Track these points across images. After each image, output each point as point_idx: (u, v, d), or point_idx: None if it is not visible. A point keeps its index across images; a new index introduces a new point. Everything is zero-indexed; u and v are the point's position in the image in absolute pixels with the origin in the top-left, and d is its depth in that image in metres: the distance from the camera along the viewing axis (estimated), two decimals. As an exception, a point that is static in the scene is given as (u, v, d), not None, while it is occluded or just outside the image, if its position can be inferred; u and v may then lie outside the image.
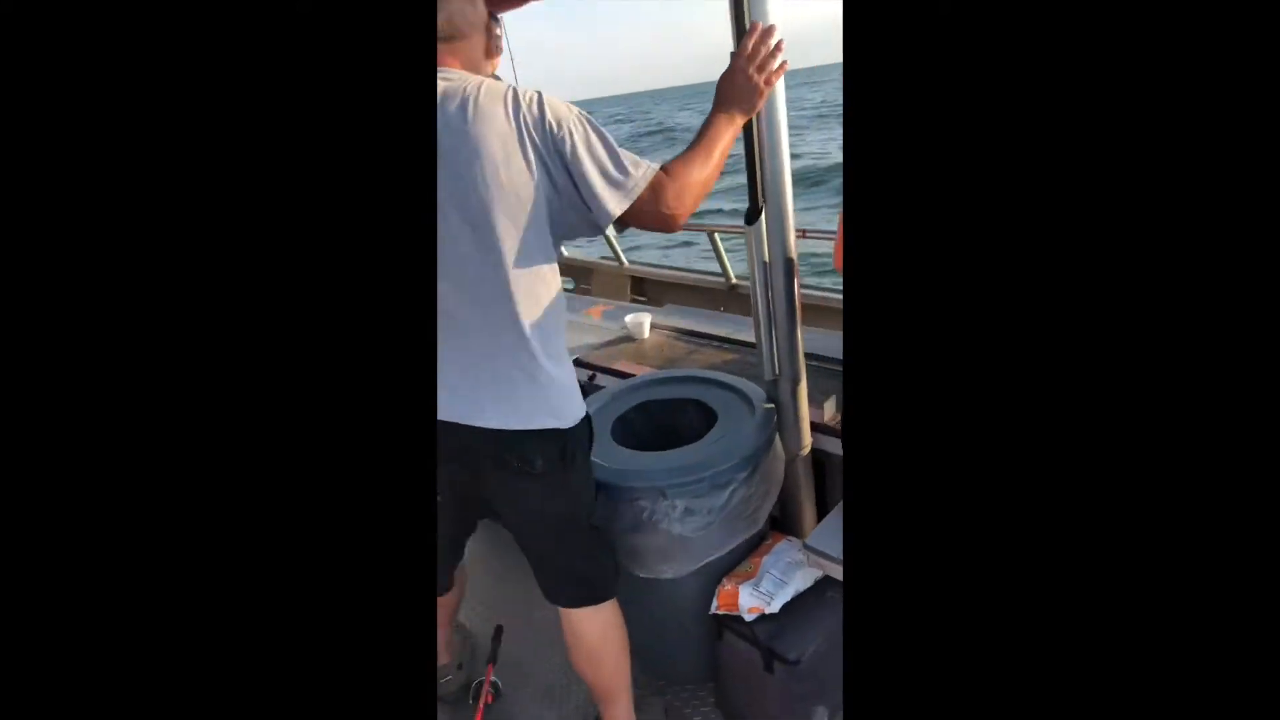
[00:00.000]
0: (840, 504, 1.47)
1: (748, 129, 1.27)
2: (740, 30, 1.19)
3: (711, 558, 1.36)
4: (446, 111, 0.98)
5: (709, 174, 1.08)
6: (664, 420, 1.67)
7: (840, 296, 2.59)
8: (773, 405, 1.50)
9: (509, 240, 1.00)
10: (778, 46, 1.14)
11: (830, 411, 1.62)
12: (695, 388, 1.67)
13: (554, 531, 1.22)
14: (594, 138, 1.01)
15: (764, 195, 1.34)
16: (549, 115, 0.99)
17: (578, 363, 2.04)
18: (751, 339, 1.55)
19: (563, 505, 1.19)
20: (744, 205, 1.38)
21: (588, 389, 2.03)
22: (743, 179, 1.34)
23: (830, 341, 1.88)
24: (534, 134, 0.98)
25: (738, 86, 1.13)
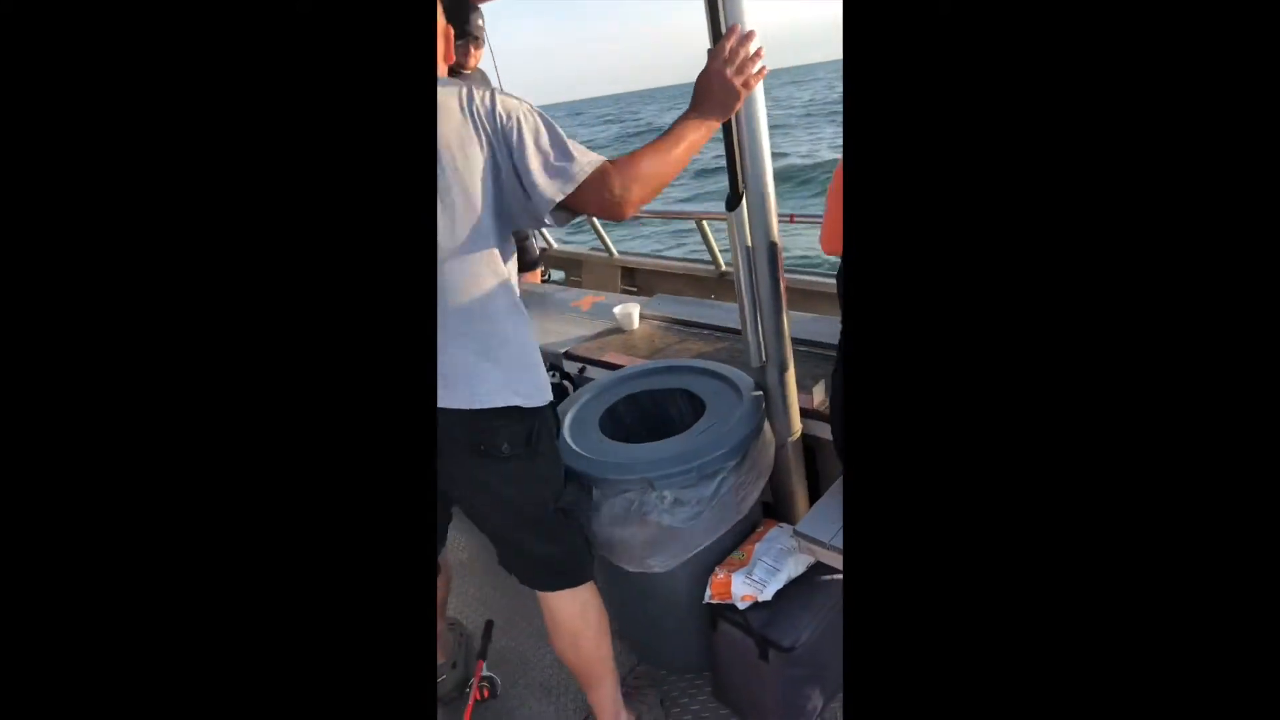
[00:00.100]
0: (830, 489, 1.46)
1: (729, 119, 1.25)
2: (715, 29, 1.17)
3: (702, 547, 1.35)
4: None
5: (664, 169, 1.07)
6: (653, 411, 1.66)
7: (827, 280, 2.58)
8: (761, 392, 1.49)
9: (463, 227, 1.05)
10: (757, 52, 1.13)
11: (819, 396, 1.61)
12: (684, 377, 1.66)
13: (522, 516, 1.22)
14: (541, 128, 1.05)
15: (744, 181, 1.33)
16: (499, 108, 1.03)
17: (568, 355, 2.03)
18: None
19: (530, 490, 1.20)
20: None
21: (578, 381, 2.02)
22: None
23: (819, 326, 1.87)
24: (485, 124, 1.03)
25: (714, 90, 1.11)
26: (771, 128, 1.36)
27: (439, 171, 1.01)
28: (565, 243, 3.73)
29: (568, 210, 1.08)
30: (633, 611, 1.63)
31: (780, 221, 1.42)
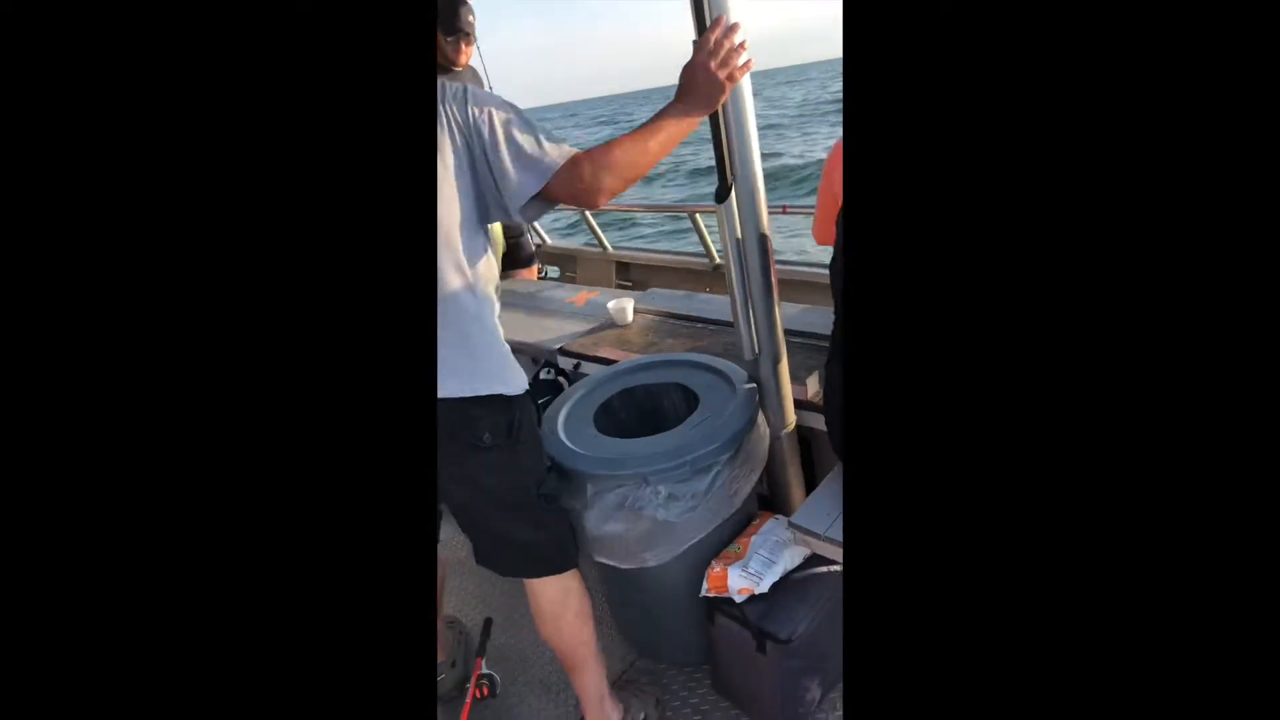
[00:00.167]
0: (825, 481, 1.45)
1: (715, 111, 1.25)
2: (700, 21, 1.16)
3: (697, 540, 1.35)
4: None
5: (638, 158, 1.07)
6: (648, 406, 1.66)
7: (819, 271, 2.57)
8: (754, 385, 1.49)
9: (442, 221, 1.06)
10: (742, 44, 1.12)
11: (814, 387, 1.60)
12: (677, 371, 1.66)
13: (504, 505, 1.23)
14: (513, 121, 1.06)
15: (733, 173, 1.32)
16: (471, 103, 1.05)
17: (562, 351, 2.03)
18: None
19: (512, 479, 1.22)
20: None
21: (572, 377, 2.02)
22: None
23: (812, 317, 1.87)
24: (458, 119, 1.05)
25: (698, 82, 1.10)
26: (765, 127, 1.35)
27: None
28: (559, 236, 3.72)
29: (541, 201, 1.09)
30: (631, 607, 1.64)
31: (773, 213, 1.42)
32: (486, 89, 2.54)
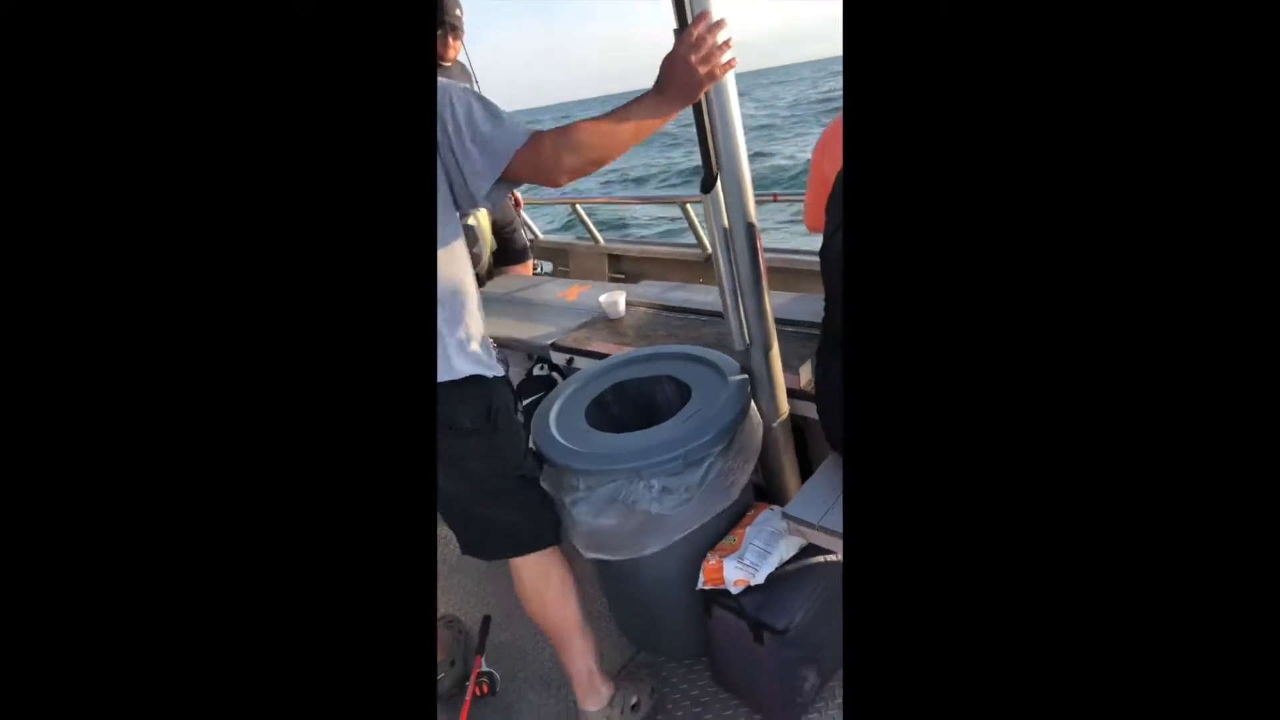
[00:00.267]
0: (818, 470, 1.45)
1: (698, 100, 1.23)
2: (680, 14, 1.14)
3: (692, 533, 1.35)
4: None
5: (603, 141, 1.07)
6: (640, 399, 1.65)
7: (810, 259, 2.56)
8: (746, 375, 1.48)
9: None
10: (726, 42, 1.10)
11: (806, 376, 1.59)
12: (669, 364, 1.65)
13: (485, 489, 1.26)
14: (474, 105, 1.06)
15: (718, 163, 1.31)
16: (437, 92, 1.05)
17: (554, 346, 2.02)
18: None
19: (492, 463, 1.25)
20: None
21: (565, 372, 2.01)
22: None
23: (802, 305, 1.86)
24: None
25: (677, 75, 1.08)
26: (757, 128, 1.34)
27: None
28: (553, 231, 3.70)
29: (506, 182, 1.09)
30: (629, 602, 1.64)
31: (764, 201, 1.40)
32: (475, 85, 2.52)
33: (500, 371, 1.24)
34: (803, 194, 1.77)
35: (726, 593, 1.36)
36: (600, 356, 1.86)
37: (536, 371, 2.07)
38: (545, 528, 1.34)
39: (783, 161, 14.20)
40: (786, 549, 1.37)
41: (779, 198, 2.59)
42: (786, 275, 2.48)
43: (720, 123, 1.27)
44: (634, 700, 1.44)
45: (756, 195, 1.40)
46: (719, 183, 1.32)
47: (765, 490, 1.63)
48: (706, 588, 1.38)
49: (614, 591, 1.69)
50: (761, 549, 1.36)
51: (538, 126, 1.10)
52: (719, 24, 1.09)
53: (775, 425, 1.53)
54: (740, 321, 1.43)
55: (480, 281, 2.59)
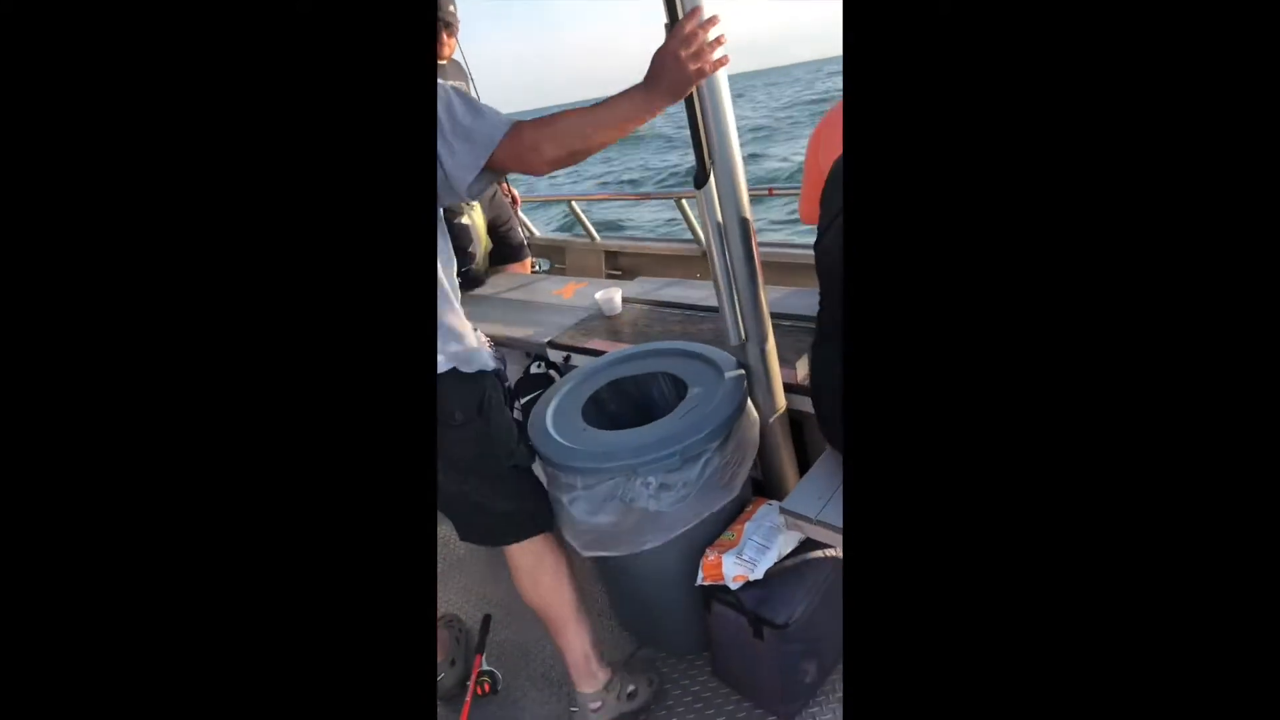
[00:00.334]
0: (815, 465, 1.45)
1: (690, 95, 1.23)
2: (671, 12, 1.13)
3: (691, 530, 1.35)
4: None
5: (586, 132, 1.07)
6: (637, 396, 1.65)
7: (806, 253, 2.55)
8: (742, 371, 1.48)
9: None
10: (718, 39, 1.09)
11: (803, 370, 1.59)
12: (665, 360, 1.65)
13: (480, 477, 1.30)
14: (453, 100, 1.06)
15: (711, 157, 1.30)
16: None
17: (551, 344, 2.02)
18: None
19: (484, 454, 1.29)
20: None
21: (563, 370, 2.01)
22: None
23: (799, 299, 1.86)
24: None
25: (666, 70, 1.07)
26: (751, 130, 1.34)
27: None
28: (549, 229, 3.70)
29: (489, 172, 1.09)
30: (629, 598, 1.64)
31: (759, 195, 1.40)
32: (470, 82, 2.52)
33: (489, 364, 1.27)
34: (798, 188, 1.77)
35: (726, 588, 1.35)
36: (597, 353, 1.86)
37: (534, 369, 2.07)
38: (539, 514, 1.38)
39: (778, 165, 14.18)
40: (785, 544, 1.37)
41: (774, 192, 2.59)
42: (782, 269, 2.47)
43: (713, 117, 1.26)
44: (631, 689, 1.45)
45: (751, 190, 1.40)
46: (712, 178, 1.32)
47: (763, 485, 1.63)
48: (706, 584, 1.38)
49: (614, 589, 1.69)
50: (760, 544, 1.36)
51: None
52: (711, 20, 1.08)
53: (772, 420, 1.52)
54: (736, 317, 1.42)
55: (478, 280, 2.59)
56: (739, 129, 1.35)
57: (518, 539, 1.37)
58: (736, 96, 1.31)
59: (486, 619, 1.65)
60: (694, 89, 1.14)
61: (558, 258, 3.60)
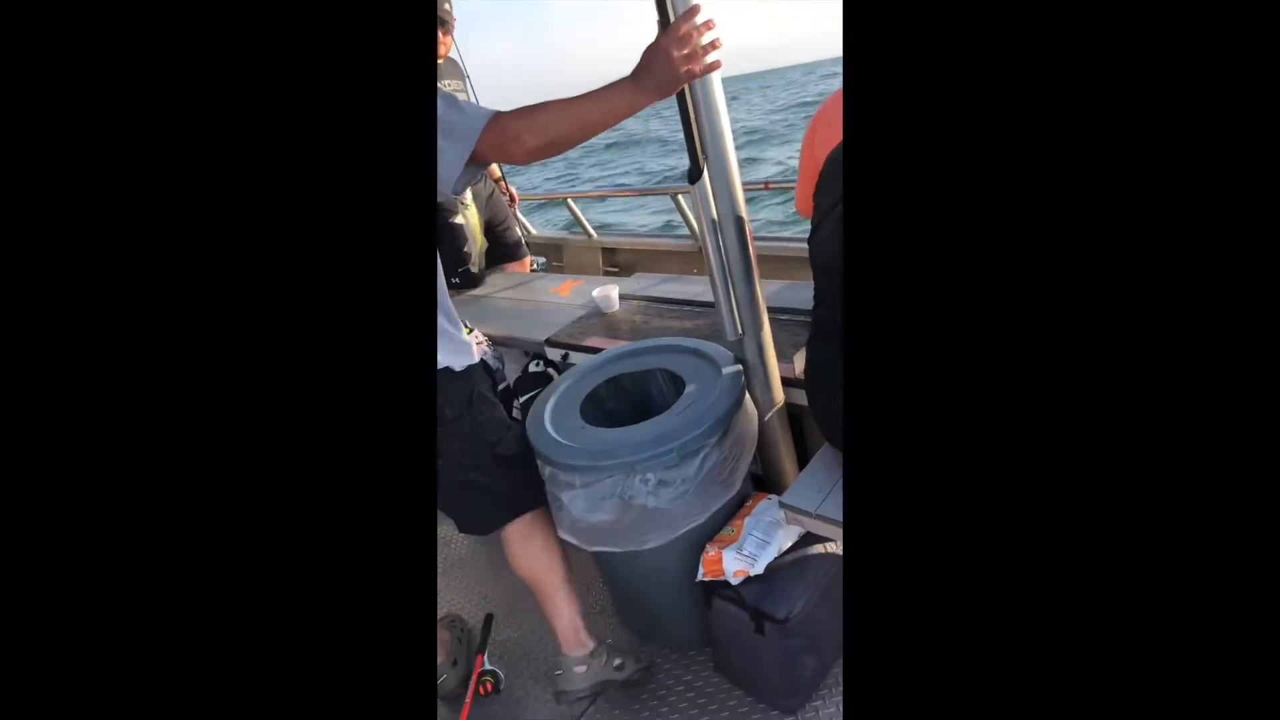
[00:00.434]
0: (813, 459, 1.44)
1: (681, 89, 1.22)
2: (664, 15, 1.12)
3: (691, 526, 1.34)
4: None
5: (568, 123, 1.06)
6: (635, 392, 1.65)
7: (804, 244, 2.55)
8: (739, 366, 1.48)
9: None
10: (713, 43, 1.08)
11: (800, 364, 1.59)
12: (662, 356, 1.64)
13: (471, 468, 1.37)
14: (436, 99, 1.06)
15: (704, 153, 1.30)
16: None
17: (549, 342, 2.02)
18: None
19: (476, 445, 1.36)
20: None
21: (561, 368, 2.01)
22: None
23: (796, 292, 1.85)
24: None
25: (657, 67, 1.06)
26: (747, 132, 1.33)
27: None
28: (545, 226, 3.70)
29: (472, 165, 1.09)
30: (630, 596, 1.63)
31: (755, 190, 1.40)
32: (467, 81, 2.51)
33: (475, 358, 1.35)
34: (794, 182, 1.76)
35: (726, 584, 1.35)
36: (595, 351, 1.86)
37: (532, 368, 2.07)
38: (529, 492, 1.43)
39: (772, 170, 14.05)
40: (785, 538, 1.37)
41: (770, 185, 2.58)
42: (779, 262, 2.47)
43: (705, 113, 1.26)
44: (618, 661, 1.48)
45: (746, 184, 1.39)
46: (705, 173, 1.31)
47: (762, 479, 1.63)
48: (706, 579, 1.38)
49: (615, 586, 1.69)
50: (760, 539, 1.36)
51: None
52: (707, 24, 1.08)
53: (770, 414, 1.52)
54: (732, 312, 1.42)
55: (475, 280, 2.58)
56: (734, 132, 1.34)
57: (510, 518, 1.43)
58: (731, 100, 1.30)
59: (488, 618, 1.65)
60: (673, 94, 1.14)
61: (555, 255, 3.60)
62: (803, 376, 1.56)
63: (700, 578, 1.38)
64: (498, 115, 1.07)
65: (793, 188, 1.51)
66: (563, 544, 1.46)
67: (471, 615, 1.80)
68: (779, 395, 1.53)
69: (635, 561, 1.44)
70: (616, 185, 14.06)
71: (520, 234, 2.88)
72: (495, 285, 2.59)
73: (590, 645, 1.47)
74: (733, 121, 1.31)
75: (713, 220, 1.35)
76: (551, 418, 1.49)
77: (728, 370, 1.47)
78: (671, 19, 1.10)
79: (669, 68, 1.06)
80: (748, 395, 1.47)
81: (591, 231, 3.39)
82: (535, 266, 3.17)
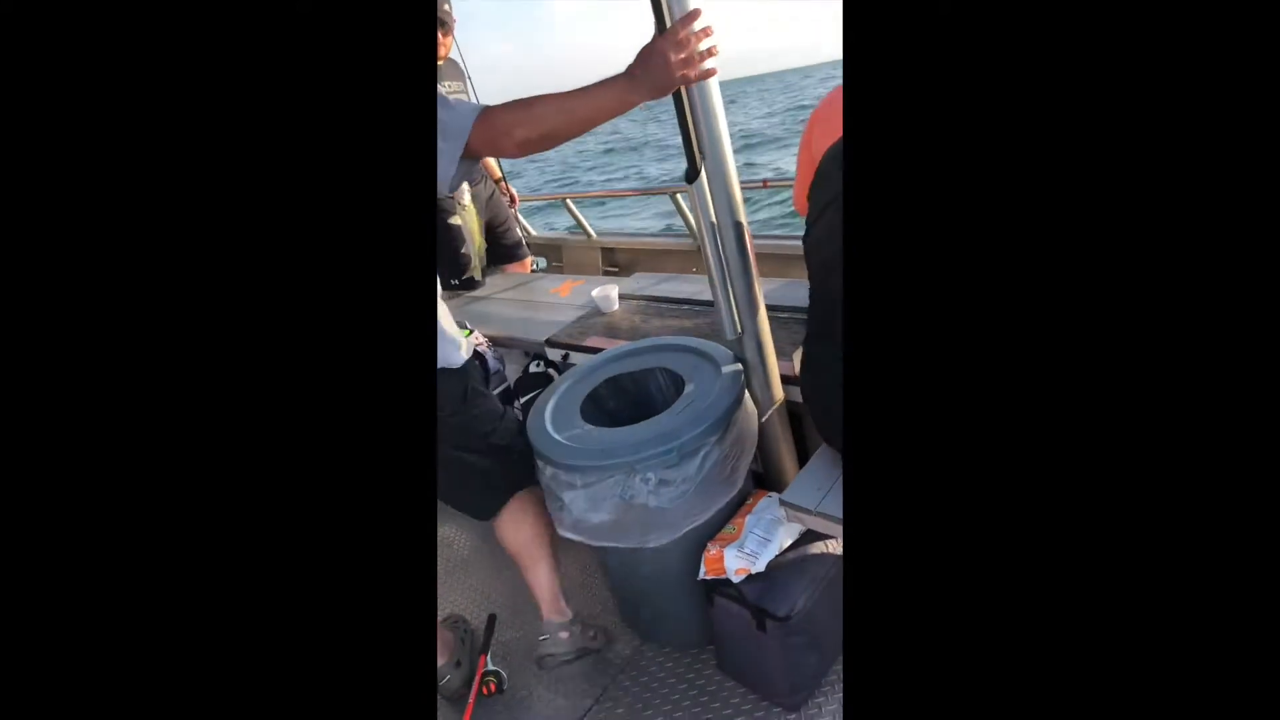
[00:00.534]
0: (813, 457, 1.45)
1: (677, 90, 1.22)
2: (660, 19, 1.12)
3: (692, 525, 1.35)
4: None
5: (558, 118, 1.07)
6: (635, 392, 1.65)
7: (799, 242, 2.55)
8: (739, 364, 1.48)
9: None
10: (710, 50, 1.08)
11: (799, 364, 1.59)
12: (662, 356, 1.65)
13: (470, 461, 1.45)
14: None
15: (701, 151, 1.30)
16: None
17: (549, 343, 2.02)
18: None
19: (471, 439, 1.45)
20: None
21: (561, 368, 2.01)
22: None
23: (794, 290, 1.85)
24: None
25: (652, 67, 1.06)
26: (745, 135, 1.33)
27: None
28: (545, 226, 3.70)
29: (465, 161, 1.11)
30: (632, 594, 1.64)
31: (753, 188, 1.40)
32: (467, 82, 2.51)
33: (465, 355, 1.42)
34: (791, 180, 1.76)
35: (728, 582, 1.36)
36: (595, 351, 1.86)
37: (533, 368, 2.07)
38: (521, 475, 1.52)
39: (769, 175, 14.01)
40: (786, 536, 1.37)
41: (769, 184, 2.58)
42: (777, 260, 2.47)
43: (702, 111, 1.26)
44: (593, 633, 1.58)
45: (744, 184, 1.40)
46: (703, 173, 1.31)
47: (763, 477, 1.63)
48: (708, 577, 1.38)
49: (617, 586, 1.69)
50: (761, 537, 1.36)
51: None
52: (706, 29, 1.08)
53: (770, 412, 1.52)
54: (731, 310, 1.42)
55: (474, 282, 2.58)
56: (730, 135, 1.34)
57: (505, 501, 1.52)
58: (729, 103, 1.30)
59: (491, 619, 1.65)
60: (667, 94, 1.14)
61: (554, 255, 3.60)
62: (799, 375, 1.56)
63: (702, 576, 1.39)
64: (487, 109, 1.08)
65: (790, 186, 1.52)
66: (552, 526, 1.51)
67: (474, 616, 1.80)
68: (778, 393, 1.53)
69: (637, 561, 1.44)
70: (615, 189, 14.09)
71: (520, 235, 2.88)
72: (495, 286, 2.59)
73: (570, 614, 1.55)
74: (730, 125, 1.31)
75: (710, 219, 1.35)
76: (552, 418, 1.50)
77: (727, 369, 1.47)
78: (668, 22, 1.10)
79: (664, 70, 1.06)
80: (747, 393, 1.47)
81: (591, 231, 3.39)
82: (535, 267, 3.17)
